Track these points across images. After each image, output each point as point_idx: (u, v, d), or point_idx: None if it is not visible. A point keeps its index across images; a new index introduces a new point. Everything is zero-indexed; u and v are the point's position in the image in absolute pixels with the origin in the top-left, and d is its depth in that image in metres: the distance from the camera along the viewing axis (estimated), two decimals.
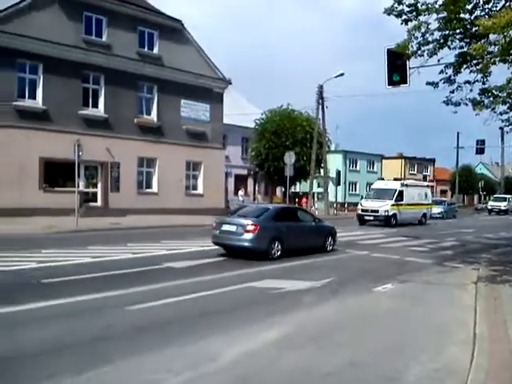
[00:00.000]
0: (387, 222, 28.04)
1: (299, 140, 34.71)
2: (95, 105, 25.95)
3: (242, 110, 40.63)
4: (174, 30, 28.72)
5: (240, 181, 42.48)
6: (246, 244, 13.43)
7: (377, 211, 28.26)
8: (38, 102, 23.84)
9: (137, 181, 27.48)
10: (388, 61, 13.04)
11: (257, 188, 44.77)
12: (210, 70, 30.74)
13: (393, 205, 28.48)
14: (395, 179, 32.87)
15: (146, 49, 27.86)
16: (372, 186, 33.11)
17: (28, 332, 6.75)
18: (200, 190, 30.53)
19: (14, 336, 6.54)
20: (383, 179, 33.93)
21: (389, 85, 13.36)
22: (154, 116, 28.37)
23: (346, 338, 6.86)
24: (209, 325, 7.26)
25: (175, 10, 53.70)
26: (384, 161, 63.61)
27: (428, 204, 32.70)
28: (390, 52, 12.90)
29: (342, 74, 31.41)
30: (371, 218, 28.56)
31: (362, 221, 28.85)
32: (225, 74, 31.57)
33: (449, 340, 6.88)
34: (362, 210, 29.31)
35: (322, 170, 36.43)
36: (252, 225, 13.45)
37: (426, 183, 36.08)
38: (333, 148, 46.19)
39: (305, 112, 36.58)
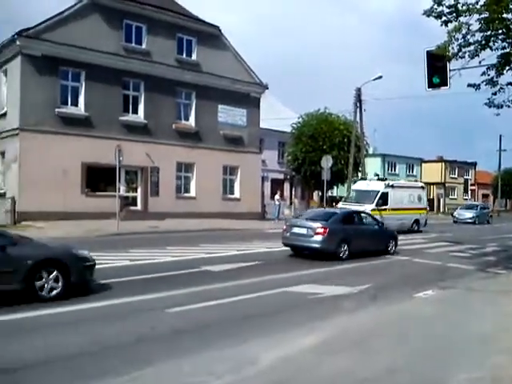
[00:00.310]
0: None
1: (336, 144, 34.45)
2: (135, 111, 26.48)
3: (278, 115, 40.65)
4: (211, 36, 29.03)
5: (276, 185, 42.47)
6: (316, 245, 14.43)
7: None
8: (81, 109, 24.49)
9: (175, 185, 27.86)
10: (428, 63, 12.86)
11: (293, 192, 44.66)
12: (247, 75, 30.94)
13: (373, 210, 23.86)
14: (379, 179, 27.33)
15: (184, 55, 28.26)
16: (352, 187, 28.46)
17: (71, 333, 6.94)
18: (237, 195, 30.71)
19: (58, 337, 6.75)
20: (365, 179, 28.26)
21: (429, 87, 13.16)
22: (192, 121, 28.73)
23: (385, 345, 6.75)
24: (248, 328, 7.32)
25: (211, 16, 54.25)
26: (424, 164, 62.47)
27: (422, 208, 28.17)
28: (429, 54, 12.71)
29: (380, 77, 30.98)
30: None
31: None
32: (261, 78, 31.75)
33: (493, 348, 6.69)
34: None
35: (359, 174, 36.04)
36: (322, 227, 14.40)
37: (420, 184, 30.78)
38: (371, 151, 45.65)
39: (342, 115, 36.37)
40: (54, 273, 8.46)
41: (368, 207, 23.61)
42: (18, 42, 22.58)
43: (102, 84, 24.57)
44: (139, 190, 26.68)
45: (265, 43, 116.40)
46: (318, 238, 14.32)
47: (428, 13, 12.01)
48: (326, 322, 7.72)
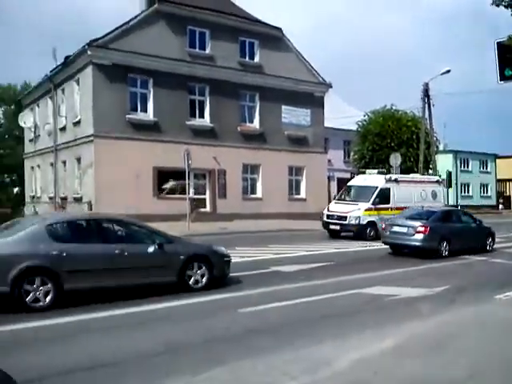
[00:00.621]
0: (359, 234, 19.84)
1: (405, 141, 33.57)
2: (201, 115, 26.99)
3: (343, 113, 40.10)
4: (273, 38, 29.08)
5: (343, 184, 41.85)
6: (418, 243, 14.95)
7: (344, 218, 20.22)
8: (149, 115, 25.26)
9: (242, 187, 28.16)
10: (498, 55, 12.25)
11: None
12: (310, 74, 30.76)
13: (369, 209, 20.28)
14: (379, 172, 22.95)
15: (247, 58, 28.49)
16: (348, 183, 23.96)
17: (145, 332, 7.16)
18: (303, 195, 30.59)
19: (132, 336, 6.96)
20: (364, 173, 24.03)
21: (501, 80, 12.53)
22: (256, 123, 28.92)
23: (465, 348, 6.45)
24: (323, 329, 7.23)
25: (272, 18, 54.36)
26: (498, 160, 59.49)
27: None
28: (500, 45, 12.10)
29: (448, 71, 29.81)
30: (337, 227, 20.57)
31: (330, 231, 20.98)
32: (324, 77, 31.44)
33: None
34: (328, 217, 21.05)
35: (430, 172, 34.87)
36: (422, 226, 14.93)
37: (435, 178, 25.54)
38: (441, 148, 44.09)
39: (410, 111, 35.37)
40: (202, 267, 9.60)
41: (362, 206, 20.38)
42: (88, 52, 23.61)
43: (169, 90, 25.23)
44: (207, 192, 27.17)
45: (327, 42, 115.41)
46: (419, 236, 14.82)
47: (497, 2, 11.45)
48: (402, 325, 7.50)
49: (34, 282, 7.94)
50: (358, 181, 22.94)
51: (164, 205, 24.22)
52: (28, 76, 70.33)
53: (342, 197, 22.64)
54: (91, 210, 22.72)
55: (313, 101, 30.77)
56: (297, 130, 30.11)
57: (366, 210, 20.18)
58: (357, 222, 19.96)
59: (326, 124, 32.86)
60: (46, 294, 8.02)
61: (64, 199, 26.73)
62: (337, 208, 21.11)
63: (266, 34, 28.83)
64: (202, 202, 26.94)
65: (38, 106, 32.44)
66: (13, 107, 48.96)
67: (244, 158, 27.95)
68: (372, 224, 20.10)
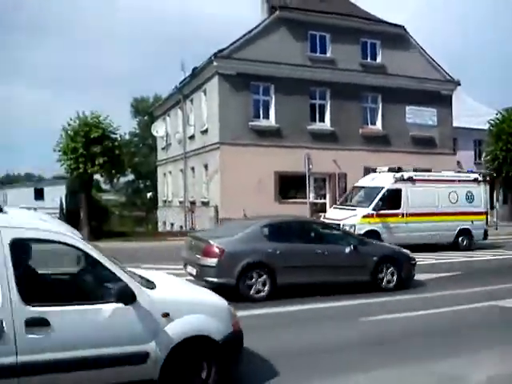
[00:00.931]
0: None
1: None
2: (322, 119, 26.93)
3: (473, 112, 37.70)
4: (396, 37, 28.16)
5: None
6: None
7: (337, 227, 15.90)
8: (272, 121, 25.76)
9: None
10: None
11: (494, 195, 40.88)
12: (436, 72, 29.35)
13: (368, 216, 16.66)
14: (390, 170, 18.74)
15: (368, 59, 27.92)
16: (355, 184, 20.22)
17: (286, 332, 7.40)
18: None
19: (275, 335, 7.20)
20: (375, 170, 20.06)
21: None
22: (378, 125, 28.21)
23: None
24: (452, 343, 6.88)
25: (392, 16, 52.78)
26: None
27: (476, 213, 18.62)
28: None
29: None
30: None
31: None
32: (453, 75, 29.83)
33: None
34: None
35: None
36: None
37: (472, 175, 19.97)
38: None
39: None
40: (391, 268, 10.29)
41: (360, 212, 16.76)
42: (214, 63, 24.69)
43: (290, 95, 25.50)
44: (327, 196, 27.05)
45: (459, 40, 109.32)
46: None
47: None
48: None
49: (254, 275, 9.23)
50: (365, 181, 19.36)
51: (285, 209, 24.33)
52: (159, 88, 75.58)
53: (345, 200, 19.40)
54: (217, 213, 23.74)
55: (439, 99, 29.32)
56: (422, 131, 28.88)
57: (363, 217, 16.63)
58: (351, 231, 15.35)
59: (455, 123, 31.14)
60: (263, 287, 9.27)
61: (193, 203, 28.19)
62: (333, 215, 18.07)
63: (388, 34, 28.04)
64: (323, 207, 26.88)
65: (168, 116, 34.62)
66: (146, 118, 53.03)
67: (365, 161, 27.26)
68: (372, 234, 15.70)
